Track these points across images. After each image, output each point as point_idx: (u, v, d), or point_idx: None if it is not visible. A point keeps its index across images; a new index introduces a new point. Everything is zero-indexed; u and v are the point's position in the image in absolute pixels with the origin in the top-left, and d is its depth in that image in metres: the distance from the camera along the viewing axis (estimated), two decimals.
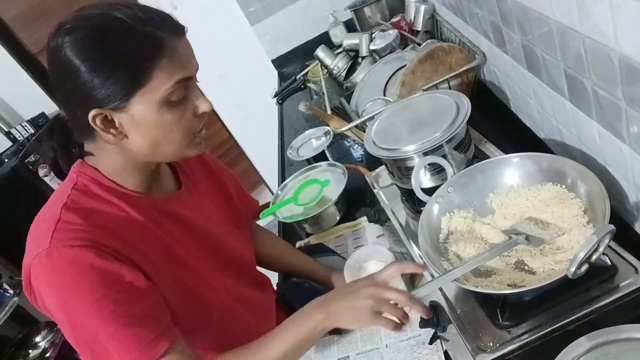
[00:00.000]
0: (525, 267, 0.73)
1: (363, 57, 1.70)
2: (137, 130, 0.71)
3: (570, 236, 0.72)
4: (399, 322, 0.72)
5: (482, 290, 0.71)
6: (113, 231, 0.72)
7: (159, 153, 0.76)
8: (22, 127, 2.54)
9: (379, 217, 1.14)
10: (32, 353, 2.17)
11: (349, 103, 1.53)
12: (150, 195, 0.82)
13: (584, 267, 0.61)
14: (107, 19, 0.67)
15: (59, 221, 0.69)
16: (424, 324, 0.77)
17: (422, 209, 0.87)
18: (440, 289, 0.80)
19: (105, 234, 0.71)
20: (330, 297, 0.74)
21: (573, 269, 0.60)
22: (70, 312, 0.68)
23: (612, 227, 0.60)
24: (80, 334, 0.69)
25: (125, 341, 0.67)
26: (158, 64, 0.67)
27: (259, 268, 1.09)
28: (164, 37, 0.68)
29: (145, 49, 0.66)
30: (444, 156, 0.91)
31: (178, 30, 0.71)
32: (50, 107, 2.63)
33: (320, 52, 1.85)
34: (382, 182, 1.16)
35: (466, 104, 0.94)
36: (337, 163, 1.35)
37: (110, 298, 0.67)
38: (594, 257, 0.61)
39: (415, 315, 0.74)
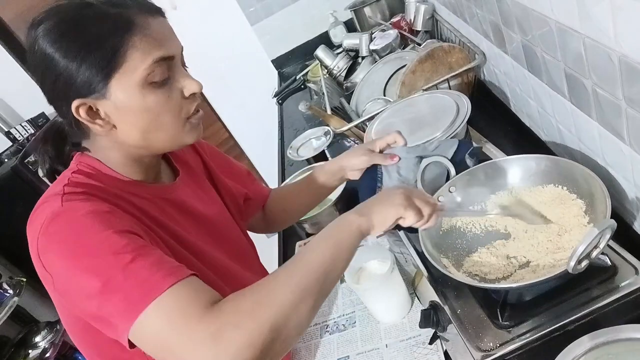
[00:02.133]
0: (526, 266, 0.73)
1: (363, 57, 1.70)
2: (123, 118, 0.69)
3: (571, 236, 0.72)
4: (422, 219, 0.73)
5: (482, 285, 0.71)
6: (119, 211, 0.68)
7: (153, 142, 0.73)
8: (22, 127, 2.55)
9: None
10: (32, 353, 2.17)
11: (349, 103, 1.53)
12: (153, 185, 0.81)
13: (584, 263, 0.61)
14: (75, 5, 0.66)
15: (63, 194, 0.66)
16: (424, 324, 0.77)
17: None
18: (440, 289, 0.80)
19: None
20: (363, 204, 0.73)
21: (573, 263, 0.59)
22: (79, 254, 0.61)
23: (612, 221, 0.60)
24: (92, 270, 0.60)
25: (146, 268, 0.59)
26: (130, 42, 0.65)
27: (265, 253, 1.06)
28: (133, 16, 0.66)
29: (114, 28, 0.65)
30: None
31: (151, 10, 0.69)
32: (50, 107, 2.62)
33: (320, 52, 1.85)
34: None
35: (466, 104, 0.94)
36: None
37: (125, 235, 0.62)
38: (594, 253, 0.61)
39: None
